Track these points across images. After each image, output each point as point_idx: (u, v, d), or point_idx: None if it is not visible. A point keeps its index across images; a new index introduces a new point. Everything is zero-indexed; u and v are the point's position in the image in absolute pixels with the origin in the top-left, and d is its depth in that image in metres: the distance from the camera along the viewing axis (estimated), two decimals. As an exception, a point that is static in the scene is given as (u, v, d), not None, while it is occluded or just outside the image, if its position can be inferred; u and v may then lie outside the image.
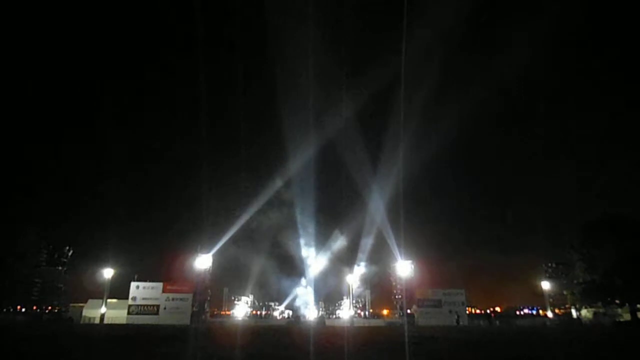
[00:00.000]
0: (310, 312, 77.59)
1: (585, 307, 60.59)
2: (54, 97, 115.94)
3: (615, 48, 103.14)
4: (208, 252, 61.13)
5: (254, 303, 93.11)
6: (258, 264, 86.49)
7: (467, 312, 63.13)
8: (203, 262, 60.00)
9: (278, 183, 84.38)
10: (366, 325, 58.31)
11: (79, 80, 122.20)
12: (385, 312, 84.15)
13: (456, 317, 56.90)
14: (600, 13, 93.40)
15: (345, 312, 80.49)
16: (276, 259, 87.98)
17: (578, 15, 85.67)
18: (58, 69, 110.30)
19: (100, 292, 54.80)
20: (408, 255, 62.31)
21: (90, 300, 56.94)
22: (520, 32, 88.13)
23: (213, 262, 61.46)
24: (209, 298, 62.48)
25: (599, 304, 56.75)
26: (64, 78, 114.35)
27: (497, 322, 68.03)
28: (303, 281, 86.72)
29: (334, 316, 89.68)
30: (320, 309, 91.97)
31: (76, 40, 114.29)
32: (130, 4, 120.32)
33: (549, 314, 65.15)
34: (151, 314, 53.91)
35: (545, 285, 64.03)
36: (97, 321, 52.86)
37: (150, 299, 55.33)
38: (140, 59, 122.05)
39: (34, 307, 63.70)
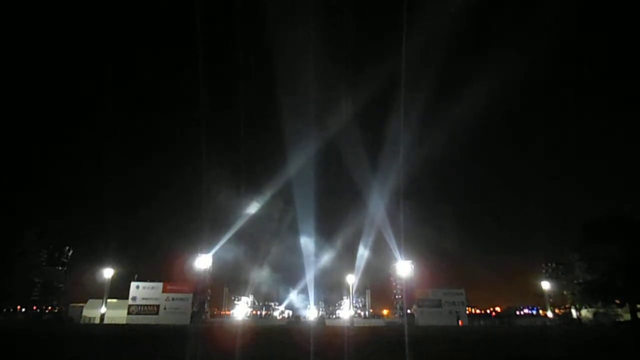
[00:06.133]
0: (311, 312, 77.50)
1: (585, 307, 60.56)
2: (52, 97, 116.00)
3: (615, 48, 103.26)
4: (208, 252, 61.14)
5: (254, 303, 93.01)
6: (258, 264, 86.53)
7: (467, 312, 63.15)
8: (203, 262, 59.98)
9: (278, 182, 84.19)
10: (366, 325, 58.30)
11: (78, 80, 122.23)
12: (385, 312, 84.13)
13: (456, 317, 56.92)
14: (601, 13, 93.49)
15: (345, 312, 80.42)
16: (276, 259, 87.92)
17: (576, 17, 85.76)
18: (56, 68, 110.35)
19: (100, 292, 54.79)
20: (408, 255, 62.35)
21: (90, 300, 56.92)
22: (520, 32, 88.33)
23: (213, 262, 61.48)
24: (209, 298, 62.49)
25: (599, 304, 56.72)
26: (62, 77, 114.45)
27: (497, 322, 68.12)
28: (303, 282, 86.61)
29: (334, 316, 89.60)
30: (321, 309, 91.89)
31: (75, 38, 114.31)
32: (132, 1, 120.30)
33: (549, 314, 65.14)
34: (151, 314, 53.92)
35: (545, 285, 64.02)
36: (97, 321, 52.85)
37: (150, 299, 55.34)
38: (139, 58, 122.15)
39: (34, 307, 63.72)
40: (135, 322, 51.11)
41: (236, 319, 76.03)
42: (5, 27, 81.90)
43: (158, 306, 54.95)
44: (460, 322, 57.09)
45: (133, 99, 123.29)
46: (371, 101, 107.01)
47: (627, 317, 52.32)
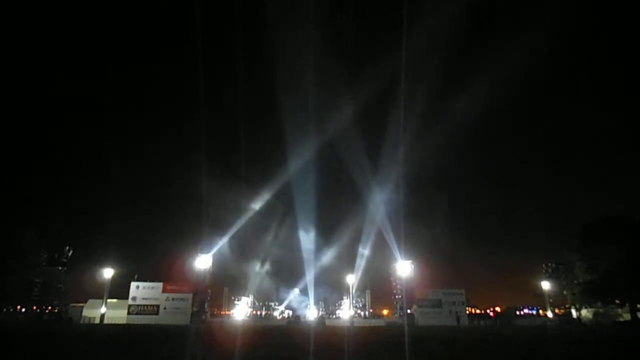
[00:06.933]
0: (311, 312, 77.54)
1: (585, 307, 60.61)
2: (52, 97, 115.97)
3: (618, 47, 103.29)
4: (208, 252, 61.14)
5: (254, 303, 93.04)
6: (258, 264, 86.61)
7: (467, 312, 63.17)
8: (203, 262, 59.99)
9: (278, 182, 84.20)
10: (366, 325, 58.32)
11: (78, 80, 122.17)
12: (385, 312, 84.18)
13: (457, 317, 56.89)
14: (602, 12, 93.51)
15: (345, 312, 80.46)
16: (276, 258, 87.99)
17: (580, 14, 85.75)
18: (56, 67, 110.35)
19: (100, 292, 54.79)
20: (408, 255, 62.35)
21: (90, 300, 56.91)
22: (521, 31, 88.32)
23: (213, 262, 61.48)
24: (209, 298, 62.49)
25: (599, 304, 56.75)
26: (61, 77, 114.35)
27: (497, 322, 68.07)
28: (302, 282, 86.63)
29: (334, 316, 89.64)
30: (320, 309, 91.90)
31: (75, 38, 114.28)
32: (133, 1, 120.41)
33: (549, 314, 65.17)
34: (151, 314, 53.94)
35: (545, 285, 64.04)
36: (97, 321, 52.84)
37: (150, 299, 55.36)
38: (139, 58, 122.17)
39: (34, 307, 63.68)
40: (135, 322, 51.12)
41: (236, 319, 76.07)
42: (5, 27, 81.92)
43: (158, 306, 54.96)
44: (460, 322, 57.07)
45: (133, 99, 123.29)
46: (371, 101, 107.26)
47: (627, 317, 52.34)
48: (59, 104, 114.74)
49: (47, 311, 63.34)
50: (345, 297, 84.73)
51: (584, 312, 61.07)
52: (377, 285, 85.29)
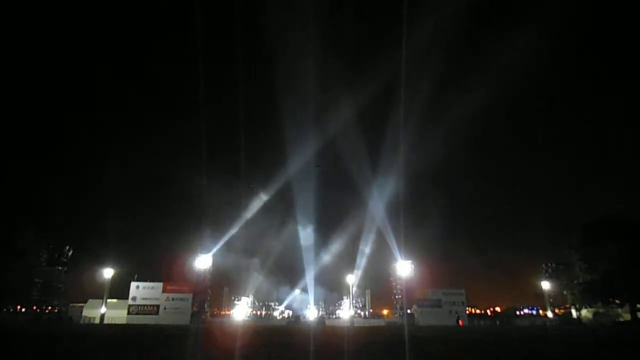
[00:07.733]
0: (311, 312, 77.47)
1: (585, 307, 60.55)
2: (51, 97, 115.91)
3: (616, 48, 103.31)
4: (208, 252, 61.12)
5: (254, 303, 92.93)
6: (258, 264, 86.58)
7: (467, 312, 63.15)
8: (203, 262, 59.95)
9: (278, 182, 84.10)
10: (366, 325, 58.30)
11: (77, 81, 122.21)
12: (385, 312, 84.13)
13: (456, 317, 56.91)
14: (604, 12, 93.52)
15: (345, 312, 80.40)
16: (276, 258, 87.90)
17: (580, 14, 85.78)
18: (55, 68, 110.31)
19: (100, 292, 54.78)
20: (408, 255, 62.35)
21: (90, 300, 56.92)
22: (522, 31, 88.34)
23: (213, 262, 61.45)
24: (208, 298, 62.48)
25: (599, 304, 56.69)
26: (60, 77, 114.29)
27: (497, 322, 68.13)
28: (303, 282, 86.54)
29: (334, 316, 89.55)
30: (320, 309, 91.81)
31: (75, 38, 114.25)
32: (133, 1, 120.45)
33: (549, 314, 65.14)
34: (151, 314, 53.94)
35: (545, 285, 64.03)
36: (97, 321, 52.84)
37: (150, 299, 55.37)
38: (139, 58, 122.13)
39: (34, 307, 63.63)
40: (135, 322, 51.13)
41: (236, 319, 75.99)
42: (5, 27, 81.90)
43: (158, 306, 54.97)
44: (460, 322, 57.09)
45: (133, 99, 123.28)
46: (371, 101, 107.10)
47: (627, 317, 52.31)
48: (59, 104, 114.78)
49: (47, 311, 63.31)
50: (345, 297, 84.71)
51: (584, 312, 61.02)
52: (377, 285, 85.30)
